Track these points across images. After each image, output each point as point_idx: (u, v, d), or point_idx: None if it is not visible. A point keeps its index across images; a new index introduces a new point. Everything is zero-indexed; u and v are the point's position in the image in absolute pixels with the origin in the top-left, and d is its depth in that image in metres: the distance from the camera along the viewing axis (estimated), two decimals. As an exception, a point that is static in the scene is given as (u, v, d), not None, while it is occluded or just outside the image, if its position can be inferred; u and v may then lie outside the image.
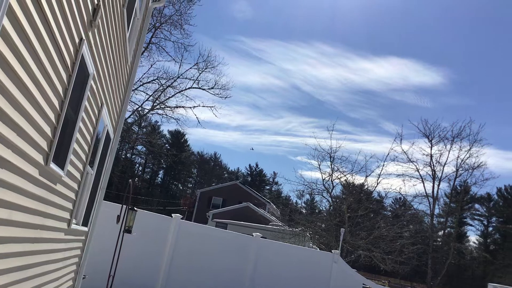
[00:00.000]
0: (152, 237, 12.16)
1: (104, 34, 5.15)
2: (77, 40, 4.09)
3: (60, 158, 4.39)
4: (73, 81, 4.12)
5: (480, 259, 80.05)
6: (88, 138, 5.70)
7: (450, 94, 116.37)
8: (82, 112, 4.77)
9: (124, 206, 8.04)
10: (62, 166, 4.50)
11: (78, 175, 5.65)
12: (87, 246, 7.85)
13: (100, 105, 5.97)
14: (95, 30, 4.70)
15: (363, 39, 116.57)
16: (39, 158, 3.74)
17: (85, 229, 7.35)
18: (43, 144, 3.76)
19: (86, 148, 5.69)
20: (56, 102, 3.84)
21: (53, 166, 4.09)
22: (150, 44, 27.10)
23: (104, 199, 10.58)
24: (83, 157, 5.70)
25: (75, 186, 5.63)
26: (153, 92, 27.78)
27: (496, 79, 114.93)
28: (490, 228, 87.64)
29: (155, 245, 12.19)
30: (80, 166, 5.67)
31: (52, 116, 3.82)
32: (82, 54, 4.26)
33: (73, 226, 6.11)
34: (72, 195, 5.58)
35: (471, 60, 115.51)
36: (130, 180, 7.61)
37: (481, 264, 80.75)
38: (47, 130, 3.78)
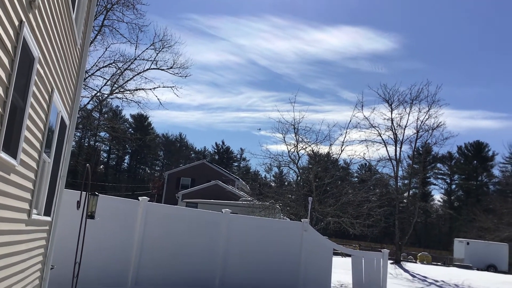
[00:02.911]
0: (120, 222, 12.04)
1: (46, 15, 4.96)
2: (16, 23, 3.93)
3: (12, 147, 4.26)
4: (16, 65, 3.97)
5: (446, 216, 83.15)
6: (41, 125, 5.54)
7: (404, 58, 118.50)
8: (30, 98, 4.62)
9: (84, 192, 7.90)
10: (14, 155, 4.37)
11: (33, 164, 5.50)
12: (52, 236, 7.72)
13: (50, 90, 5.79)
14: (36, 12, 4.52)
15: (314, 9, 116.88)
16: (-13, 148, 3.61)
17: (48, 218, 7.20)
18: (-10, 133, 3.63)
19: (39, 135, 5.53)
20: (0, 89, 3.70)
21: (3, 155, 3.96)
22: (103, 27, 26.32)
23: (70, 189, 10.43)
24: (37, 145, 5.55)
25: (31, 175, 5.49)
26: (111, 76, 27.12)
27: (447, 41, 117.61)
28: (453, 186, 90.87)
29: (124, 229, 12.09)
30: (35, 154, 5.51)
31: (-4, 103, 3.68)
32: (24, 37, 4.10)
33: (34, 216, 5.98)
34: (29, 184, 5.44)
35: (421, 24, 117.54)
36: (87, 164, 7.47)
37: (446, 221, 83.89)
38: (-7, 118, 3.65)
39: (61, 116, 6.85)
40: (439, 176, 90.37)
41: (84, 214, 7.85)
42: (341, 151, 27.14)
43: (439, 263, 47.18)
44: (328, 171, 26.41)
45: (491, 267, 44.72)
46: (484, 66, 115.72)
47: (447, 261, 48.91)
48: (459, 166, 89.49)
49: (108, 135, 43.75)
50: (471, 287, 23.55)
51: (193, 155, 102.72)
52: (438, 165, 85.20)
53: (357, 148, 37.57)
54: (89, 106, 28.17)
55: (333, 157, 28.30)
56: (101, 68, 26.67)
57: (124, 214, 12.21)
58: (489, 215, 46.40)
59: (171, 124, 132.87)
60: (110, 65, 26.85)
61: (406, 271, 29.88)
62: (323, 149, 27.55)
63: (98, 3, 24.42)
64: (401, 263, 35.86)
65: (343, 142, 27.17)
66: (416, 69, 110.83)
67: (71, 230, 8.79)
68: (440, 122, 35.48)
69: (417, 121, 35.83)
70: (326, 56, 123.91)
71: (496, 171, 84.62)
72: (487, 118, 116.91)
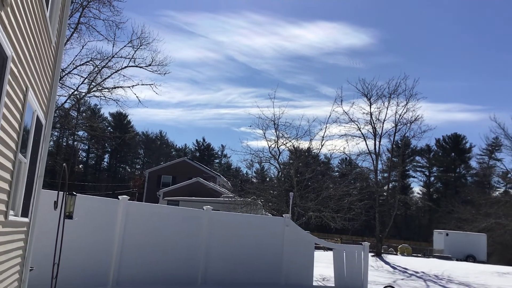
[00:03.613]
0: (100, 222, 11.93)
1: (19, 13, 4.88)
2: (-13, 21, 3.86)
3: (-15, 147, 4.19)
4: (-12, 65, 3.90)
5: (425, 208, 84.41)
6: (16, 125, 5.45)
7: (381, 53, 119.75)
8: (4, 97, 4.54)
9: (62, 192, 7.81)
10: (-12, 156, 4.30)
11: (9, 165, 5.41)
12: (30, 237, 7.61)
13: (25, 89, 5.70)
14: (8, 10, 4.44)
15: (291, 5, 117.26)
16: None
17: (26, 220, 7.10)
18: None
19: (14, 135, 5.45)
20: (-29, 89, 3.64)
21: (-23, 156, 3.90)
22: (79, 25, 25.91)
23: (49, 189, 10.28)
24: (13, 145, 5.46)
25: (7, 176, 5.40)
26: (88, 74, 26.71)
27: (423, 35, 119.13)
28: (432, 178, 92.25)
29: (104, 229, 11.98)
30: (10, 155, 5.43)
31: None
32: (-5, 36, 4.03)
33: (11, 217, 5.89)
34: (5, 185, 5.35)
35: (397, 19, 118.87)
36: (64, 164, 7.38)
37: (426, 212, 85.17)
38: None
39: (37, 116, 6.75)
40: (418, 169, 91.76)
41: (62, 215, 7.76)
42: (321, 146, 27.35)
43: (419, 255, 47.91)
44: (309, 166, 26.58)
45: (470, 257, 45.61)
46: (459, 59, 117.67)
47: (427, 253, 49.70)
48: (438, 158, 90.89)
49: (86, 134, 43.21)
50: (450, 277, 23.96)
51: (173, 152, 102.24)
52: (417, 158, 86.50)
53: (337, 143, 37.90)
54: (66, 105, 27.73)
55: (314, 152, 28.51)
56: (78, 66, 26.26)
57: (104, 213, 12.10)
58: (467, 206, 47.27)
59: (150, 122, 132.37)
60: (87, 63, 26.47)
61: (387, 263, 30.26)
62: (304, 144, 27.73)
63: (74, 1, 24.08)
64: (382, 255, 36.29)
65: (323, 137, 27.37)
66: (393, 64, 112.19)
67: (50, 230, 8.68)
68: (418, 116, 35.95)
69: (395, 115, 36.24)
70: (304, 51, 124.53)
71: (473, 163, 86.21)
72: (464, 111, 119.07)
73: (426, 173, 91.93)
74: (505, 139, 39.28)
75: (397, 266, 28.66)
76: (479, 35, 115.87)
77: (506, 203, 38.23)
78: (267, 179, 33.94)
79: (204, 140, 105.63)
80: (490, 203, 40.49)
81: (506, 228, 38.55)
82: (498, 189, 67.54)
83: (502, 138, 42.97)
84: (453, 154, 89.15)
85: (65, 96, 26.59)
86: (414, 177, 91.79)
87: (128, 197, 12.89)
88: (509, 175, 45.81)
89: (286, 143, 27.03)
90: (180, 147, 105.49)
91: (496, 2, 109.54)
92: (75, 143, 75.93)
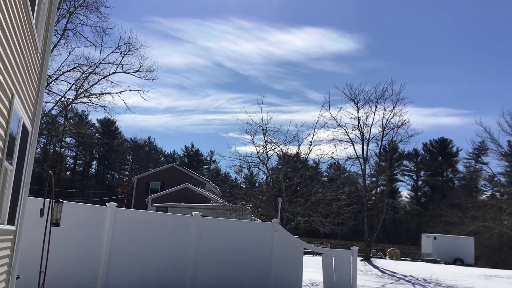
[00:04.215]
0: (88, 229, 11.84)
1: (4, 20, 4.87)
2: (-28, 29, 3.85)
3: (-30, 155, 4.17)
4: (-27, 72, 3.89)
5: (413, 212, 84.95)
6: (1, 132, 5.42)
7: (367, 58, 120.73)
8: (-11, 105, 4.53)
9: (48, 199, 7.76)
10: (-27, 164, 4.27)
11: (-5, 172, 5.38)
12: (17, 245, 7.54)
13: (10, 96, 5.67)
14: (-7, 17, 4.44)
15: (278, 11, 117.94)
16: None
17: (12, 227, 7.04)
18: None
19: (0, 143, 5.42)
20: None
21: (-38, 164, 3.88)
22: (66, 31, 25.81)
23: (36, 196, 10.19)
24: (-2, 152, 5.43)
25: (-7, 183, 5.37)
26: (75, 81, 26.59)
27: (408, 40, 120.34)
28: (420, 182, 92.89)
29: (92, 236, 11.90)
30: (-4, 162, 5.40)
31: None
32: (-20, 44, 4.02)
33: (-3, 225, 5.84)
34: (-10, 193, 5.32)
35: (382, 25, 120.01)
36: (50, 171, 7.34)
37: (414, 216, 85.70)
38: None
39: (23, 123, 6.71)
40: (405, 173, 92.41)
41: (49, 222, 7.71)
42: (310, 150, 27.47)
43: (408, 258, 48.18)
44: (298, 171, 26.65)
45: (458, 261, 45.94)
46: (444, 64, 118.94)
47: (416, 256, 49.98)
48: (425, 162, 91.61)
49: (74, 140, 42.88)
50: (438, 280, 24.11)
51: (162, 158, 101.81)
52: (405, 162, 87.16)
53: (325, 148, 38.09)
54: (53, 112, 27.56)
55: (302, 157, 28.61)
56: (65, 72, 26.15)
57: (92, 220, 12.02)
58: (455, 209, 47.68)
59: (139, 128, 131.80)
60: (74, 69, 26.37)
61: (375, 267, 30.37)
62: (292, 150, 27.80)
63: (61, 7, 23.97)
64: (371, 259, 36.42)
65: (311, 142, 27.50)
66: (379, 69, 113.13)
67: (37, 238, 8.61)
68: (404, 120, 36.26)
69: (382, 120, 36.51)
70: (291, 57, 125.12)
71: (460, 167, 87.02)
72: (450, 115, 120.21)
73: (413, 177, 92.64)
74: (491, 143, 39.76)
75: (386, 270, 28.78)
76: (465, 40, 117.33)
77: (492, 207, 38.63)
78: (256, 185, 33.95)
79: (192, 146, 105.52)
80: (477, 206, 40.88)
81: (493, 231, 38.94)
82: (485, 193, 68.22)
83: (488, 142, 43.50)
84: (440, 158, 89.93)
85: (52, 102, 26.46)
86: (402, 181, 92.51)
87: (116, 204, 12.82)
88: (496, 179, 46.36)
89: (275, 148, 27.13)
90: (169, 153, 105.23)
91: (481, 7, 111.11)
92: (62, 149, 75.32)
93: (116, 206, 12.65)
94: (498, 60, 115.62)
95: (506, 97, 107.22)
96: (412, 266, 33.76)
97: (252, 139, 26.54)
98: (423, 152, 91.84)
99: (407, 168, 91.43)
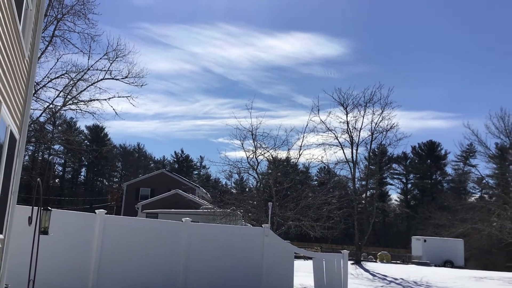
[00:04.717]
0: (77, 237, 11.76)
1: (-9, 28, 4.85)
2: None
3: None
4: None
5: (403, 215, 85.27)
6: (-12, 140, 5.39)
7: (355, 63, 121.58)
8: (-24, 113, 4.50)
9: (36, 207, 7.70)
10: (-40, 172, 4.24)
11: (-18, 181, 5.34)
12: (5, 254, 7.47)
13: (-3, 104, 5.64)
14: (-21, 25, 4.42)
15: (265, 16, 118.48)
16: None
17: (0, 236, 6.98)
18: None
19: (-13, 151, 5.38)
20: None
21: None
22: (54, 37, 25.65)
23: (24, 204, 10.10)
24: (-14, 161, 5.39)
25: (-20, 192, 5.33)
26: (64, 87, 26.41)
27: (395, 45, 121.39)
28: (409, 185, 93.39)
29: (81, 244, 11.81)
30: (-17, 170, 5.36)
31: None
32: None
33: (-15, 234, 5.79)
34: (-22, 202, 5.28)
35: (370, 29, 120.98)
36: (38, 179, 7.29)
37: (404, 219, 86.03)
38: None
39: (10, 130, 6.67)
40: (395, 176, 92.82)
41: (37, 230, 7.65)
42: (299, 155, 27.52)
43: (398, 261, 48.31)
44: (288, 175, 26.67)
45: (448, 263, 46.23)
46: (431, 68, 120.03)
47: (406, 259, 50.15)
48: (414, 165, 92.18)
49: (62, 147, 42.56)
50: (429, 283, 24.23)
51: (152, 164, 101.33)
52: (394, 165, 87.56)
53: (315, 152, 38.03)
54: (41, 119, 27.35)
55: (292, 162, 28.64)
56: (53, 79, 25.97)
57: (81, 228, 11.94)
58: (444, 212, 47.92)
59: (128, 134, 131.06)
60: (62, 76, 26.20)
61: (366, 270, 30.45)
62: (282, 154, 27.82)
63: (48, 14, 23.86)
64: (362, 263, 36.50)
65: (300, 146, 27.55)
66: (367, 73, 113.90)
67: (25, 247, 8.53)
68: (393, 124, 36.42)
69: (371, 123, 36.67)
70: (279, 62, 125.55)
71: (449, 169, 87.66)
72: (437, 118, 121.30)
73: (403, 180, 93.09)
74: (479, 146, 39.96)
75: (377, 273, 28.86)
76: (450, 44, 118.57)
77: (481, 209, 38.82)
78: (247, 190, 33.92)
79: (182, 151, 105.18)
80: (466, 208, 41.09)
81: (482, 233, 39.12)
82: (474, 195, 68.72)
83: (476, 145, 43.79)
84: (429, 161, 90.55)
85: (40, 109, 26.25)
86: (391, 184, 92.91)
87: (105, 211, 12.75)
88: (484, 181, 46.68)
89: (264, 153, 27.13)
90: (159, 159, 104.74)
91: (467, 12, 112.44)
92: (51, 157, 74.69)
93: (106, 213, 12.59)
94: (484, 63, 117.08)
95: (493, 100, 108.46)
96: (403, 269, 33.88)
97: (242, 144, 26.55)
98: (412, 155, 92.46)
99: (396, 172, 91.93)
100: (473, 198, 63.28)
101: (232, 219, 24.80)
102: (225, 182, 44.81)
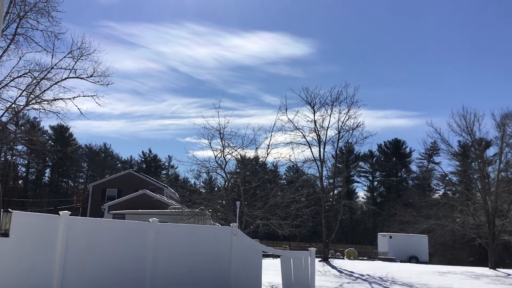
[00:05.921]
0: (40, 239, 11.49)
1: None
2: None
3: None
4: None
5: (370, 212, 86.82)
6: None
7: (320, 62, 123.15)
8: None
9: None
10: None
11: None
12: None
13: (-46, 104, 5.48)
14: None
15: (232, 16, 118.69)
16: None
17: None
18: None
19: None
20: None
21: None
22: (17, 36, 24.95)
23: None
24: None
25: None
26: (26, 87, 25.73)
27: (359, 45, 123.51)
28: (376, 183, 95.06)
29: (44, 246, 11.55)
30: None
31: None
32: None
33: None
34: None
35: (335, 30, 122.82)
36: (-2, 180, 7.12)
37: (370, 216, 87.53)
38: None
39: (-31, 131, 6.50)
40: (361, 174, 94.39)
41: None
42: (267, 154, 27.57)
43: (365, 258, 49.20)
44: (256, 174, 26.72)
45: (413, 259, 47.35)
46: (394, 68, 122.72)
47: (373, 255, 51.10)
48: (380, 163, 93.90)
49: (26, 148, 41.52)
50: (394, 278, 24.75)
51: (119, 165, 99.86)
52: (361, 163, 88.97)
53: (283, 151, 38.15)
54: (4, 119, 26.60)
55: (261, 161, 28.71)
56: (16, 78, 25.25)
57: (44, 230, 11.68)
58: (409, 208, 48.98)
59: (93, 134, 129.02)
60: (25, 75, 25.50)
61: (333, 267, 30.86)
62: (250, 153, 27.85)
63: (10, 11, 23.23)
64: (329, 260, 36.99)
65: (268, 145, 27.60)
66: (333, 73, 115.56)
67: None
68: (359, 122, 36.98)
69: (338, 122, 37.16)
70: (246, 61, 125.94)
71: (414, 167, 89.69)
72: (401, 117, 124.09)
73: (369, 178, 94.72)
74: (442, 143, 41.00)
75: (344, 270, 29.30)
76: (411, 45, 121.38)
77: (445, 205, 39.82)
78: (216, 189, 33.82)
79: (150, 151, 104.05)
80: (430, 205, 42.05)
81: (446, 229, 40.20)
82: (438, 192, 70.63)
83: (439, 143, 44.84)
84: (394, 158, 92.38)
85: (2, 109, 25.54)
86: (358, 182, 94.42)
87: (70, 213, 12.52)
88: (447, 178, 47.88)
89: (232, 152, 27.09)
90: (126, 159, 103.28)
91: (429, 12, 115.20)
92: (13, 157, 72.64)
93: (71, 215, 12.37)
94: (446, 62, 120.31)
95: (454, 99, 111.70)
96: (369, 265, 34.52)
97: (210, 143, 26.40)
98: (378, 153, 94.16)
99: (363, 169, 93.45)
100: (437, 195, 65.01)
101: (201, 219, 24.70)
102: (194, 181, 44.62)
